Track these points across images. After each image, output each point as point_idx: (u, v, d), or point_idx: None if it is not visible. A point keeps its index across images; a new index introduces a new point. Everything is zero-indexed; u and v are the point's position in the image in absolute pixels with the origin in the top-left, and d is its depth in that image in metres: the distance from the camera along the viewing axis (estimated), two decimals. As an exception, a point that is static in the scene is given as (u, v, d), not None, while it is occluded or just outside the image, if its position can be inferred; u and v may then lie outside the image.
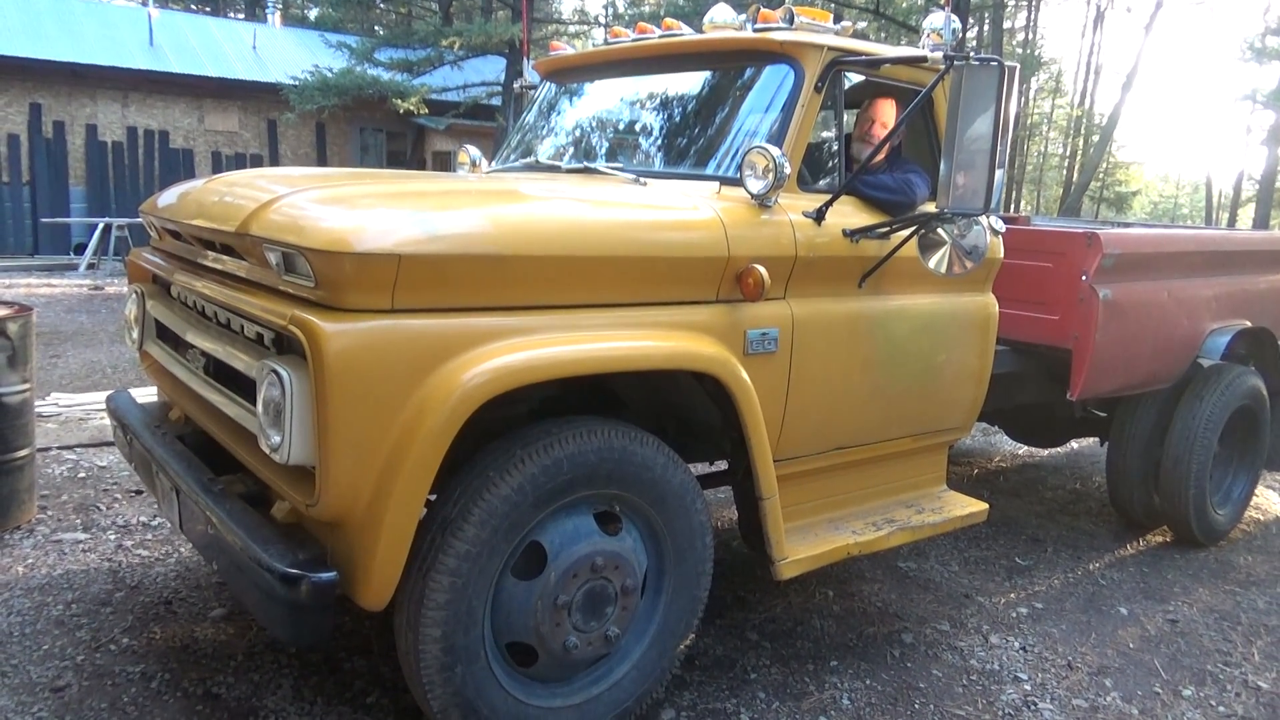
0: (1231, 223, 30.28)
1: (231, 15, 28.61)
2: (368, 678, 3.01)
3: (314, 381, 2.07)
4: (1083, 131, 31.74)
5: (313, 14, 28.80)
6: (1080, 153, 31.17)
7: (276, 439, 2.17)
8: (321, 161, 19.51)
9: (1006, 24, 27.65)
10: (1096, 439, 5.53)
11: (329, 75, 16.56)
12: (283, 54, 19.55)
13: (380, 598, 2.23)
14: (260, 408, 2.23)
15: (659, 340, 2.56)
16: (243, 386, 2.51)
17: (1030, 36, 31.82)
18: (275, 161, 18.92)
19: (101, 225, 15.12)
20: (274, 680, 2.96)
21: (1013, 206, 28.77)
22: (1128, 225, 6.51)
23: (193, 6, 29.28)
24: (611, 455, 2.50)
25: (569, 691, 2.64)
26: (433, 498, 2.35)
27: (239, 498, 2.56)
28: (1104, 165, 30.45)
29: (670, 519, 2.70)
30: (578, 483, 2.46)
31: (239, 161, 18.55)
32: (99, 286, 13.08)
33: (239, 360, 2.46)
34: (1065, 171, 33.78)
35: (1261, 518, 5.48)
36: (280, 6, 31.93)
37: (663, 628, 2.78)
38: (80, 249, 15.75)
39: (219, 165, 18.29)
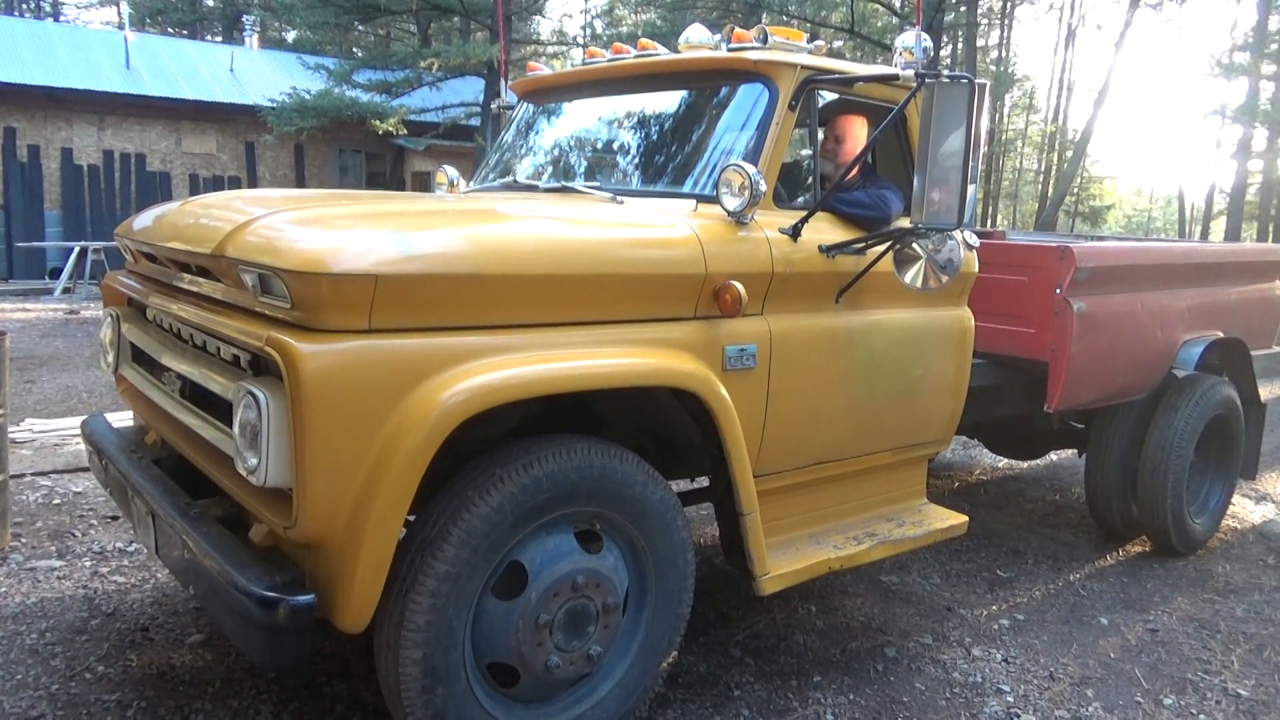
0: (1204, 235, 30.71)
1: (208, 38, 28.56)
2: (348, 702, 2.98)
3: (290, 403, 2.06)
4: (1057, 147, 32.17)
5: (290, 36, 28.78)
6: (1055, 168, 31.57)
7: (253, 461, 2.16)
8: (300, 183, 19.48)
9: (980, 42, 28.05)
10: (1075, 450, 5.58)
11: (307, 97, 16.57)
12: (260, 76, 19.54)
13: (359, 620, 2.21)
14: (236, 430, 2.22)
15: (637, 357, 2.57)
16: (219, 409, 2.49)
17: (1004, 54, 32.30)
18: (253, 183, 18.86)
19: (77, 249, 15.01)
20: (253, 706, 2.92)
21: (989, 222, 29.10)
22: (1102, 239, 6.60)
23: (169, 30, 29.22)
24: (591, 473, 2.50)
25: (551, 712, 2.63)
26: (412, 519, 2.34)
27: (216, 521, 2.53)
28: (1078, 180, 30.80)
29: (651, 536, 2.70)
30: (557, 501, 2.46)
31: (217, 184, 18.47)
32: (75, 311, 12.96)
33: (215, 383, 2.45)
34: (1040, 186, 34.21)
35: (1238, 526, 5.53)
36: (258, 29, 31.90)
37: (645, 645, 2.77)
38: (55, 273, 15.62)
39: (196, 188, 18.21)
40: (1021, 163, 37.89)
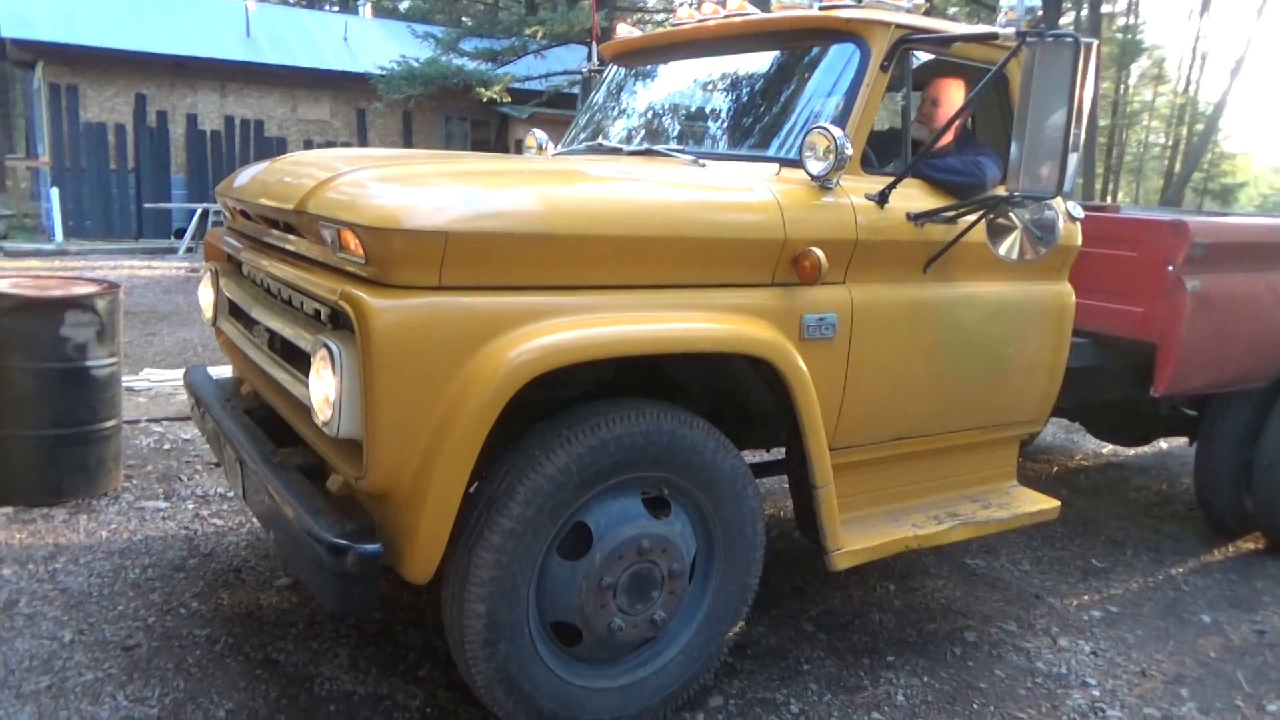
0: (1350, 217, 28.54)
1: (325, 7, 29.42)
2: (421, 650, 3.06)
3: (361, 356, 2.10)
4: (1186, 120, 30.30)
5: (403, 4, 29.39)
6: (1184, 142, 29.76)
7: (328, 412, 2.22)
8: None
9: (1106, 8, 26.52)
10: (1185, 439, 5.27)
11: (415, 65, 16.90)
12: (372, 45, 20.03)
13: (424, 571, 2.26)
14: (313, 381, 2.28)
15: (711, 323, 2.53)
16: (302, 362, 2.57)
17: (1131, 20, 30.48)
18: (363, 150, 19.40)
19: (200, 211, 15.76)
20: (331, 649, 3.04)
21: (1109, 197, 27.64)
22: (1227, 216, 6.18)
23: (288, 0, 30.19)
24: (660, 438, 2.48)
25: (614, 673, 2.64)
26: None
27: (296, 469, 2.62)
28: (1209, 155, 28.98)
29: (720, 504, 2.67)
30: (624, 465, 2.45)
31: (329, 150, 19.06)
32: (195, 269, 13.62)
33: (298, 336, 2.52)
34: (1167, 162, 32.29)
35: (1366, 527, 5.14)
36: (371, -1, 32.68)
37: (711, 614, 2.75)
38: (180, 233, 16.44)
39: (310, 153, 18.83)
40: (1148, 136, 35.85)
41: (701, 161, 2.99)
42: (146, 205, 17.25)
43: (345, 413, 2.16)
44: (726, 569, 2.75)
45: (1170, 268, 3.78)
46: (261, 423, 3.01)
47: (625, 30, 3.91)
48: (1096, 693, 3.18)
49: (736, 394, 3.02)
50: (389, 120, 19.73)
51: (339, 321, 2.37)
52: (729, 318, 2.57)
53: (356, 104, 19.29)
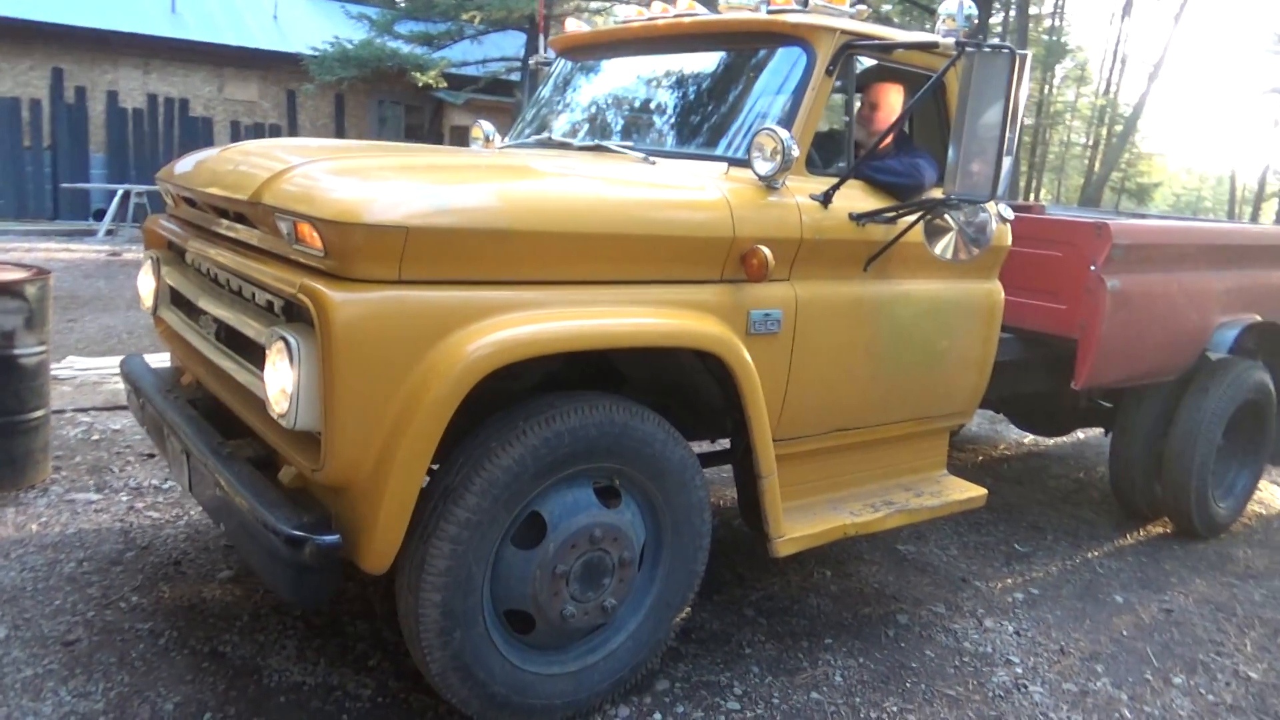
0: (1254, 217, 29.97)
1: (253, -16, 28.52)
2: (370, 641, 3.08)
3: (321, 349, 2.12)
4: (1106, 121, 31.36)
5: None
6: (1103, 143, 30.84)
7: (284, 405, 2.22)
8: (339, 133, 19.55)
9: (1033, 10, 27.29)
10: (1101, 429, 5.54)
11: (349, 47, 16.56)
12: (303, 24, 19.53)
13: (382, 561, 2.29)
14: (268, 374, 2.28)
15: (662, 318, 2.60)
16: (253, 353, 2.56)
17: (1057, 24, 31.42)
18: (294, 132, 18.96)
19: (121, 192, 15.24)
20: (278, 641, 3.03)
21: (1032, 195, 28.54)
22: (1145, 217, 6.49)
23: (214, -26, 29.18)
24: (612, 430, 2.55)
25: (565, 659, 2.70)
26: (435, 467, 2.40)
27: (247, 462, 2.61)
28: (1126, 156, 30.11)
29: (669, 494, 2.74)
30: (578, 455, 2.51)
31: (257, 131, 18.60)
32: (117, 253, 13.19)
33: (250, 327, 2.51)
34: (1087, 161, 33.44)
35: (1264, 512, 5.48)
36: (302, -24, 31.78)
37: (659, 600, 2.83)
38: (100, 215, 15.87)
39: (238, 134, 18.35)
40: (1069, 136, 37.03)
41: (652, 159, 3.05)
42: (64, 185, 16.60)
43: (303, 405, 2.18)
44: (674, 556, 2.83)
45: (1093, 267, 3.97)
46: (206, 414, 2.98)
47: (574, 25, 3.94)
48: (1019, 670, 3.35)
49: (683, 387, 3.10)
50: (320, 103, 19.30)
51: (293, 313, 2.37)
52: (680, 313, 2.64)
53: (286, 85, 18.81)
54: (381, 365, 2.16)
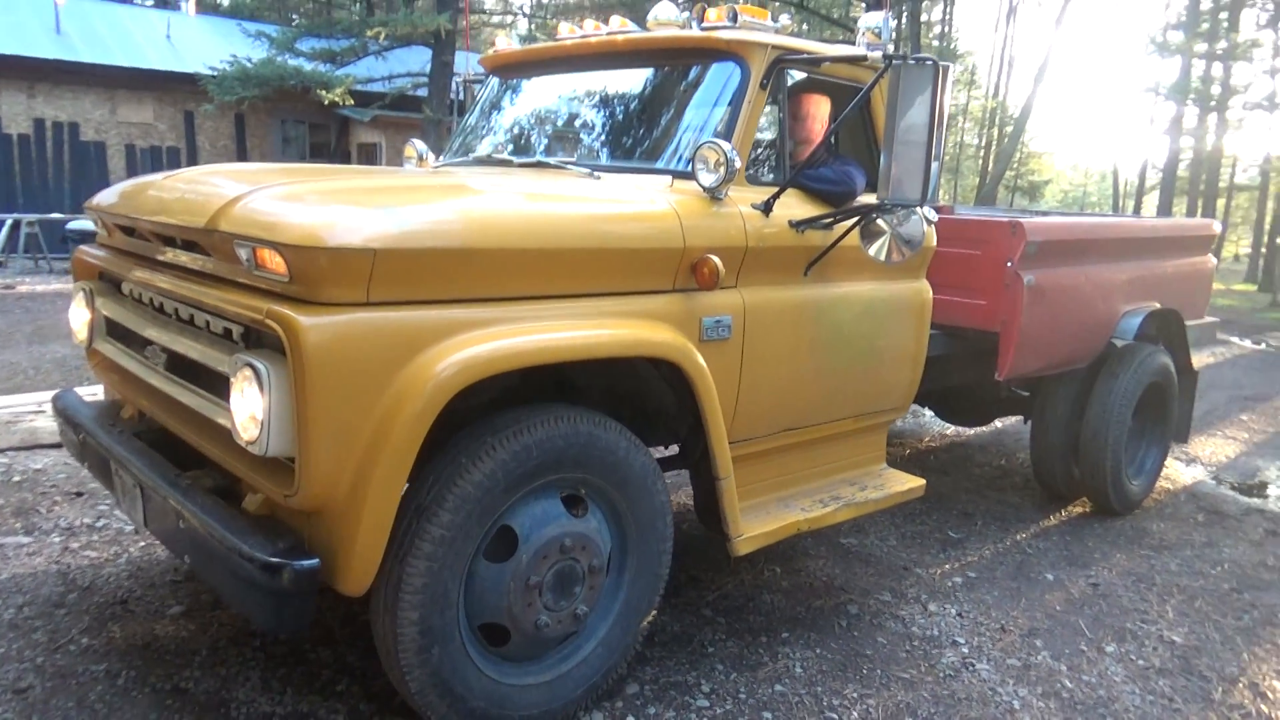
0: (1137, 210, 31.65)
1: (141, 3, 27.56)
2: (335, 666, 3.05)
3: (293, 374, 2.12)
4: (997, 122, 32.78)
5: (226, 0, 27.89)
6: (995, 143, 32.21)
7: (254, 432, 2.21)
8: (241, 154, 19.01)
9: (924, 17, 28.34)
10: (1020, 417, 5.82)
11: (249, 65, 16.15)
12: (198, 43, 18.95)
13: (361, 583, 2.29)
14: (234, 402, 2.26)
15: (621, 329, 2.67)
16: (210, 381, 2.53)
17: (946, 29, 32.72)
18: (192, 154, 18.36)
19: (10, 221, 14.50)
20: (241, 673, 2.98)
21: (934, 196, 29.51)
22: (1044, 213, 6.84)
23: (99, -7, 28.07)
24: (578, 440, 2.60)
25: (540, 669, 2.74)
26: (406, 487, 2.41)
27: (208, 492, 2.57)
28: (1018, 155, 31.51)
29: (633, 501, 2.81)
30: (546, 467, 2.55)
31: (154, 154, 17.96)
32: (10, 286, 12.56)
33: (207, 355, 2.48)
34: (981, 161, 34.85)
35: (1171, 487, 5.84)
36: (192, -7, 30.85)
37: (627, 605, 2.89)
38: (-14, 247, 15.08)
39: (133, 158, 17.69)
40: (963, 138, 38.55)
41: (596, 174, 3.12)
42: (-54, 216, 15.72)
43: (275, 431, 2.17)
44: (640, 561, 2.89)
45: (1009, 264, 4.20)
46: (155, 446, 2.92)
47: (505, 43, 3.98)
48: (966, 650, 3.52)
49: (636, 395, 3.17)
50: (220, 123, 18.74)
51: (254, 340, 2.36)
52: (637, 323, 2.71)
53: (184, 105, 18.21)
54: (355, 387, 2.18)
